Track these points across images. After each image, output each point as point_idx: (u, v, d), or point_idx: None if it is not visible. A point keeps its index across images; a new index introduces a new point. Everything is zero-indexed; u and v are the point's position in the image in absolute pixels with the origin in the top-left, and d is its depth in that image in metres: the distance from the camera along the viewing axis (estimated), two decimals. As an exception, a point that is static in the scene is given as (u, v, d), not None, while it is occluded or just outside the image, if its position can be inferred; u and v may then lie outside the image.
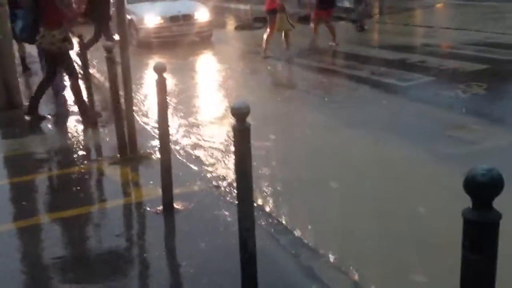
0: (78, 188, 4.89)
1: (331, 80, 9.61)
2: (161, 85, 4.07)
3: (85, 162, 5.54)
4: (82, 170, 5.29)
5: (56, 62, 6.79)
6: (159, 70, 4.07)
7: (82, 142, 6.29)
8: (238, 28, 17.61)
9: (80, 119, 6.89)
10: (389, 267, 3.50)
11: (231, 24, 18.63)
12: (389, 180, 4.82)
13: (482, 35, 12.79)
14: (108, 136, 6.24)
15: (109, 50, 5.47)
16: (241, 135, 2.78)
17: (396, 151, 5.57)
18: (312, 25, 13.71)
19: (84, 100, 6.84)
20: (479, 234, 1.56)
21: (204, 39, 14.38)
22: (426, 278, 3.33)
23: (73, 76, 6.87)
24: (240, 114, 2.74)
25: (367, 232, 3.93)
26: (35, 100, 7.05)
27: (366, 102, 7.75)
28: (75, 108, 7.40)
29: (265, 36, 11.59)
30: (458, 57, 10.37)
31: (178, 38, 13.68)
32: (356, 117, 6.87)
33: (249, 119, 2.74)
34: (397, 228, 3.97)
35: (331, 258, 3.61)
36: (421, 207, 4.27)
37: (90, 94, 6.84)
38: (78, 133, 6.63)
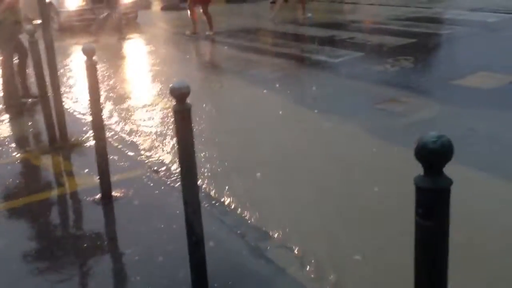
0: (8, 181, 4.62)
1: (263, 59, 9.60)
2: (91, 68, 3.88)
3: (13, 153, 5.23)
4: (10, 162, 5.00)
5: None
6: (88, 52, 3.88)
7: (8, 132, 5.94)
8: (164, 8, 17.24)
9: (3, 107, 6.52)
10: (334, 242, 3.53)
11: (156, 4, 18.20)
12: (328, 156, 4.87)
13: (406, 9, 13.20)
14: (36, 124, 5.93)
15: (31, 34, 5.17)
16: (182, 116, 2.69)
17: (331, 126, 5.64)
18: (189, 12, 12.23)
19: (10, 88, 6.49)
20: (431, 201, 1.58)
21: (129, 21, 13.95)
22: (370, 254, 3.38)
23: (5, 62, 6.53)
24: (180, 94, 2.65)
25: (311, 209, 3.96)
26: None
27: (298, 80, 7.81)
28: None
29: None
30: (385, 32, 10.64)
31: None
32: (290, 95, 6.90)
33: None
34: (340, 203, 4.01)
35: (276, 236, 3.60)
36: (362, 181, 4.34)
37: (12, 82, 6.47)
38: (2, 123, 6.26)
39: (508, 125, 5.29)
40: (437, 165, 1.55)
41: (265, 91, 7.29)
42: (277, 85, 7.54)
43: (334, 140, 5.26)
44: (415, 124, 5.46)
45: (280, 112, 6.30)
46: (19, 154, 5.21)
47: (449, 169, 1.56)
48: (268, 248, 3.39)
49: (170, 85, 2.66)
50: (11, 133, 5.91)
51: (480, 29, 10.34)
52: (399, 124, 5.55)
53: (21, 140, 5.74)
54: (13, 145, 5.52)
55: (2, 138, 5.69)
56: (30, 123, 6.15)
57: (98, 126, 4.04)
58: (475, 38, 9.70)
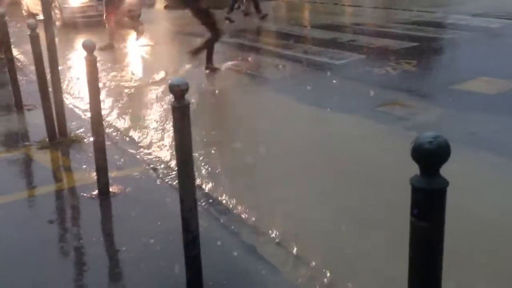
0: (5, 175, 4.61)
1: (264, 59, 9.59)
2: (91, 63, 3.87)
3: (11, 147, 5.23)
4: (8, 156, 4.99)
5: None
6: (89, 48, 3.87)
7: (8, 126, 5.93)
8: (167, 7, 17.22)
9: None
10: (331, 243, 3.52)
11: (160, 3, 18.18)
12: (328, 157, 4.86)
13: (410, 13, 13.18)
14: (36, 119, 5.91)
15: (32, 28, 5.16)
16: (181, 113, 2.68)
17: (333, 127, 5.63)
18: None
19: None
20: (427, 201, 1.57)
21: (132, 19, 13.92)
22: (365, 254, 3.37)
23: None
24: (178, 91, 2.64)
25: (308, 208, 3.95)
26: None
27: (300, 80, 7.79)
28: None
29: None
30: (388, 35, 10.63)
31: (106, 17, 13.17)
32: (292, 96, 6.89)
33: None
34: (338, 203, 4.01)
35: (272, 235, 3.59)
36: (360, 181, 4.33)
37: (14, 77, 6.46)
38: (2, 117, 6.25)
39: (509, 129, 5.29)
40: (433, 165, 1.54)
41: (266, 90, 7.28)
42: (278, 85, 7.53)
43: (334, 141, 5.25)
44: (416, 127, 5.44)
45: (282, 112, 6.28)
46: (18, 148, 5.20)
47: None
48: (264, 247, 3.38)
49: (169, 82, 2.65)
50: (11, 127, 5.89)
51: (482, 34, 10.32)
52: (400, 127, 5.53)
53: (20, 135, 5.72)
54: (12, 139, 5.52)
55: (1, 132, 5.69)
56: (30, 118, 6.13)
57: (97, 122, 4.03)
58: (477, 43, 9.69)
